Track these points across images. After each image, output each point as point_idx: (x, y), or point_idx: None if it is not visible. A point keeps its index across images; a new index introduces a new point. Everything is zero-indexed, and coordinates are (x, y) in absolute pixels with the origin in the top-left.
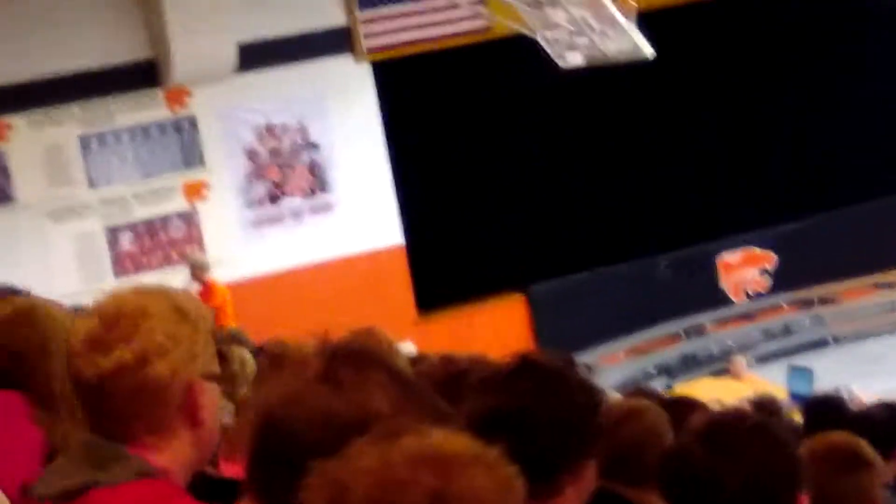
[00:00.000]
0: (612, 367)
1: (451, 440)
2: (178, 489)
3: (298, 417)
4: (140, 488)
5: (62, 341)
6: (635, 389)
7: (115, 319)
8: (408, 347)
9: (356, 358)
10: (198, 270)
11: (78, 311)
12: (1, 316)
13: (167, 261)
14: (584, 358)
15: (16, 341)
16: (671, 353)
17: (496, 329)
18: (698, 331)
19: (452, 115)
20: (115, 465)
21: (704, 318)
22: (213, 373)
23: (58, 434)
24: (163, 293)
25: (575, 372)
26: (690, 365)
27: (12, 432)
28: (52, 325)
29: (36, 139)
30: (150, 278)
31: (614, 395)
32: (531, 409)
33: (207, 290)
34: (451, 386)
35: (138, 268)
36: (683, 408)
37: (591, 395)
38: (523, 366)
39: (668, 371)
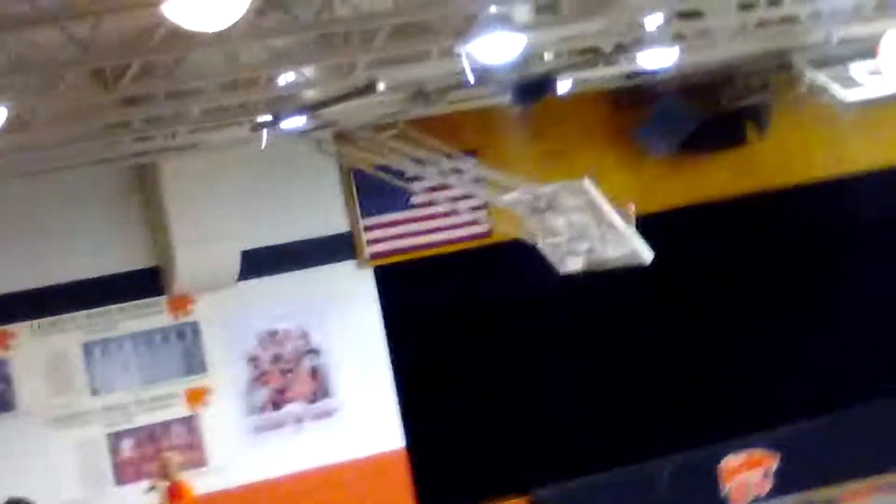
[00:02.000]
0: None
1: None
2: None
3: None
4: None
5: None
6: None
7: None
8: None
9: None
10: (171, 469)
11: None
12: None
13: None
14: None
15: None
16: None
17: None
18: None
19: (454, 318)
20: None
21: None
22: None
23: None
24: None
25: None
26: None
27: None
28: None
29: (40, 347)
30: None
31: None
32: None
33: (177, 490)
34: None
35: (139, 475)
36: None
37: None
38: None
39: None
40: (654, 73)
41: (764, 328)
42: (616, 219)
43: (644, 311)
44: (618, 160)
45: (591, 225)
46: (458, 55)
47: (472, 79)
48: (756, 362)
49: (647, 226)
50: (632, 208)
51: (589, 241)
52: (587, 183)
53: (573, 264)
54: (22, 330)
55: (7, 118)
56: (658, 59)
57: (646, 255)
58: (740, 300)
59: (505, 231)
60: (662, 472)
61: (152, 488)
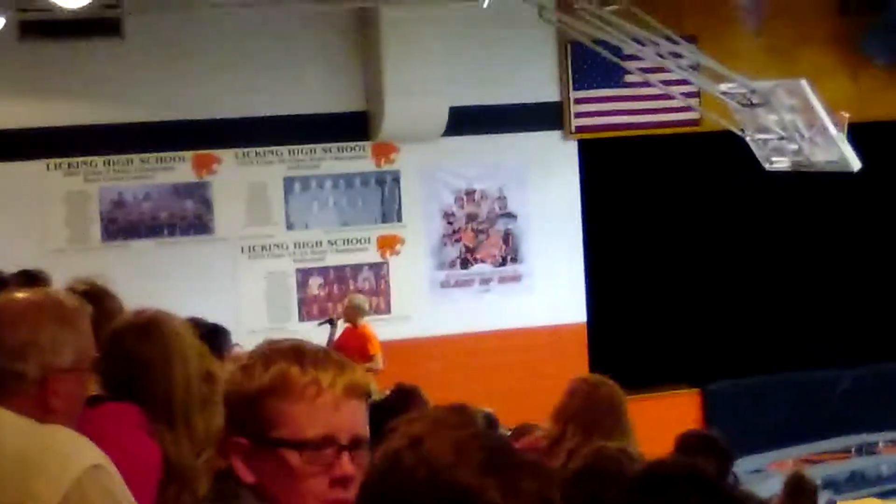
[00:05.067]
0: (779, 474)
1: None
2: None
3: None
4: None
5: (185, 356)
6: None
7: None
8: None
9: None
10: (355, 313)
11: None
12: (129, 325)
13: None
14: (753, 461)
15: (142, 351)
16: (840, 468)
17: (668, 421)
18: (870, 450)
19: (652, 201)
20: None
21: (878, 438)
22: None
23: (175, 449)
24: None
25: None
26: (858, 482)
27: (131, 445)
28: (177, 340)
29: (242, 176)
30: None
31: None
32: None
33: (360, 335)
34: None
35: (324, 313)
36: None
37: None
38: (689, 479)
39: (835, 486)
40: None
41: None
42: (829, 123)
43: (845, 216)
44: (838, 64)
45: (803, 126)
46: None
47: None
48: None
49: (860, 134)
50: (845, 115)
51: (798, 142)
52: (805, 84)
53: (779, 163)
54: (227, 156)
55: None
56: None
57: (854, 163)
58: None
59: (714, 121)
60: (840, 381)
61: (330, 321)
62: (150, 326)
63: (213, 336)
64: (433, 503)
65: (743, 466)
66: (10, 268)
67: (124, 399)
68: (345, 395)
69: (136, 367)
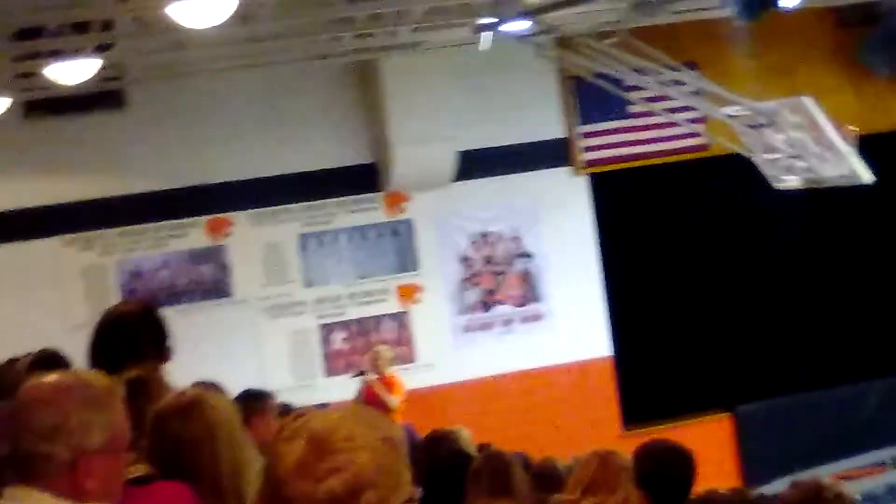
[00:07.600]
0: None
1: None
2: None
3: None
4: None
5: (228, 432)
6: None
7: (324, 448)
8: None
9: None
10: (383, 363)
11: (286, 412)
12: (171, 406)
13: None
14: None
15: (186, 432)
16: (878, 482)
17: (702, 447)
18: None
19: (667, 230)
20: None
21: None
22: (413, 497)
23: None
24: (370, 421)
25: None
26: None
27: None
28: (218, 416)
29: (257, 236)
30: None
31: None
32: None
33: (387, 384)
34: None
35: (349, 366)
36: None
37: None
38: None
39: (875, 500)
40: None
41: None
42: (836, 138)
43: (862, 229)
44: (840, 79)
45: (811, 143)
46: None
47: None
48: None
49: (869, 146)
50: (853, 129)
51: (807, 159)
52: (809, 101)
53: (790, 181)
54: (240, 218)
55: (234, 8)
56: None
57: (865, 176)
58: None
59: (722, 145)
60: (870, 394)
61: (362, 373)
62: (193, 407)
63: (253, 401)
64: None
65: (779, 487)
66: (33, 347)
67: (174, 478)
68: None
69: (181, 448)
